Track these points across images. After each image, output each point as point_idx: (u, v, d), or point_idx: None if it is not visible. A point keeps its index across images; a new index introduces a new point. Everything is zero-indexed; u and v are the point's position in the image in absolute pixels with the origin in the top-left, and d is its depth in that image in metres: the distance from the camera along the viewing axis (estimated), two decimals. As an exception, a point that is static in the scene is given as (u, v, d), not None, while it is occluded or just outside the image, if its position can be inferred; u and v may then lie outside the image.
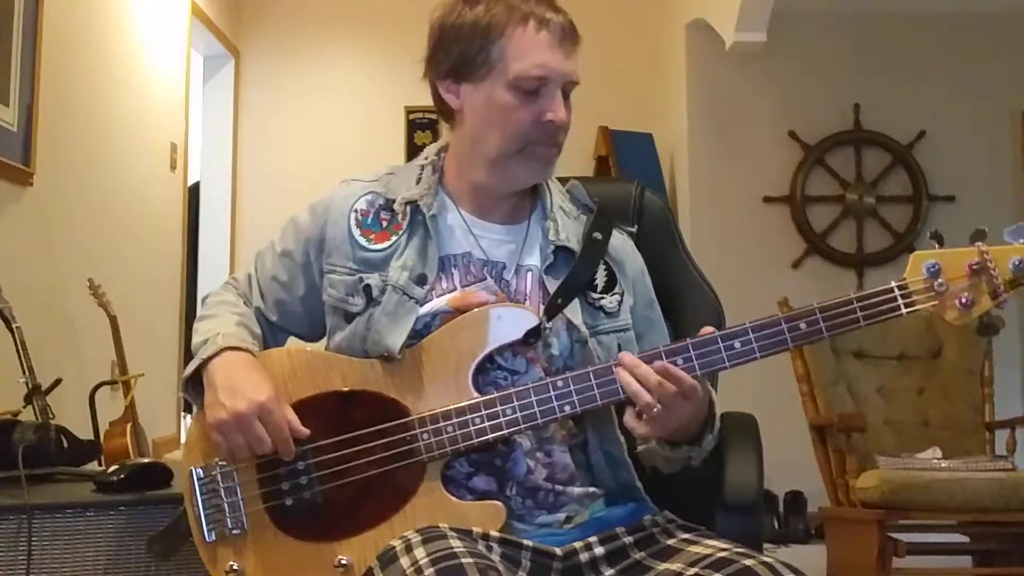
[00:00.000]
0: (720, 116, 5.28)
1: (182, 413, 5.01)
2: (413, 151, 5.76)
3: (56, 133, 3.56)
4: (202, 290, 5.42)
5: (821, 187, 5.31)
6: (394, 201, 1.48)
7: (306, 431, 1.37)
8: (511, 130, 1.41)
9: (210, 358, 1.40)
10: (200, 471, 1.40)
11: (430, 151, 1.55)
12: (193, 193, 5.47)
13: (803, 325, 1.34)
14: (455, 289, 1.43)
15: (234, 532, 1.38)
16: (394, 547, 1.26)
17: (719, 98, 5.28)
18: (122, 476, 1.83)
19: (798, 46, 5.21)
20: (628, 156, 5.30)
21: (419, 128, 5.88)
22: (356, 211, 1.49)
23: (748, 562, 1.23)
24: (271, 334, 1.55)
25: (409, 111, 5.85)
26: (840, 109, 5.30)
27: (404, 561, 1.22)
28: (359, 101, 5.93)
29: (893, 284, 1.35)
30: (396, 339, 1.39)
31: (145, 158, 4.57)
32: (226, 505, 1.39)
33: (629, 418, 1.34)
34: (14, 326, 2.78)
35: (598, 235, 1.49)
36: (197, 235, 5.63)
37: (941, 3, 5.20)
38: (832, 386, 3.69)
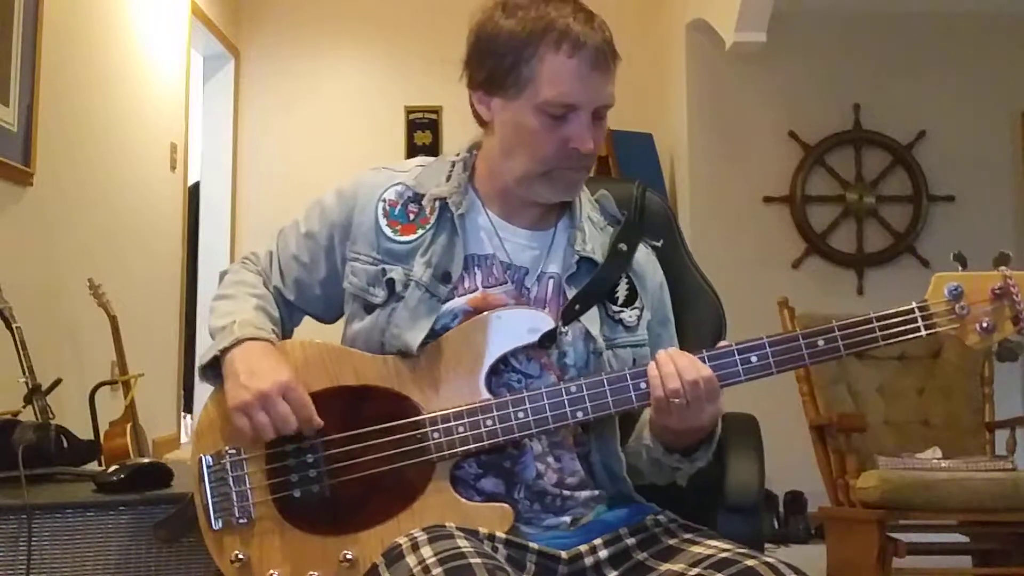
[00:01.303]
0: (720, 116, 5.28)
1: (182, 413, 5.02)
2: (413, 151, 5.77)
3: (56, 133, 3.56)
4: (202, 290, 5.42)
5: (821, 187, 5.31)
6: (423, 195, 1.47)
7: (319, 422, 1.37)
8: (536, 154, 1.40)
9: (228, 348, 1.40)
10: (210, 459, 1.40)
11: (463, 147, 1.54)
12: (193, 193, 5.47)
13: (821, 342, 1.34)
14: (476, 289, 1.43)
15: (240, 521, 1.38)
16: (400, 545, 1.26)
17: (719, 98, 5.28)
18: (122, 476, 1.83)
19: (798, 46, 5.21)
20: (628, 156, 5.30)
21: (419, 128, 5.87)
22: (384, 200, 1.48)
23: (750, 562, 1.23)
24: (287, 313, 1.55)
25: (409, 111, 5.84)
26: (840, 109, 5.30)
27: (411, 559, 1.22)
28: (359, 101, 5.93)
29: (914, 305, 1.34)
30: (415, 336, 1.39)
31: (145, 158, 4.57)
32: (234, 494, 1.39)
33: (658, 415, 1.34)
34: (14, 326, 2.78)
35: (623, 246, 1.48)
36: (197, 235, 5.63)
37: (941, 3, 5.20)
38: (832, 386, 3.69)
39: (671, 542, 1.37)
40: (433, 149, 5.70)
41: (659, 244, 1.58)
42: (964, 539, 3.57)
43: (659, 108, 5.68)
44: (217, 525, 1.39)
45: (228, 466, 1.39)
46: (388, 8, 5.86)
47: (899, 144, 5.29)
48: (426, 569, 1.18)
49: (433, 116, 5.78)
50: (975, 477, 3.20)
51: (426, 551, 1.22)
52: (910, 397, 3.83)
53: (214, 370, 1.42)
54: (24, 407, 2.67)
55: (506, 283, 1.44)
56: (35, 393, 2.65)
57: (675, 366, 1.31)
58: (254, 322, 1.44)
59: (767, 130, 5.29)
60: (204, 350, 1.44)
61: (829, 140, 5.30)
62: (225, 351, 1.40)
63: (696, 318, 1.72)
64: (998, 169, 5.30)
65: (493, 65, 1.41)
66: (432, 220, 1.45)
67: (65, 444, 2.22)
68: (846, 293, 5.11)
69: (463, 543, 1.22)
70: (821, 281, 5.16)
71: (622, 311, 1.46)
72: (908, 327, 1.33)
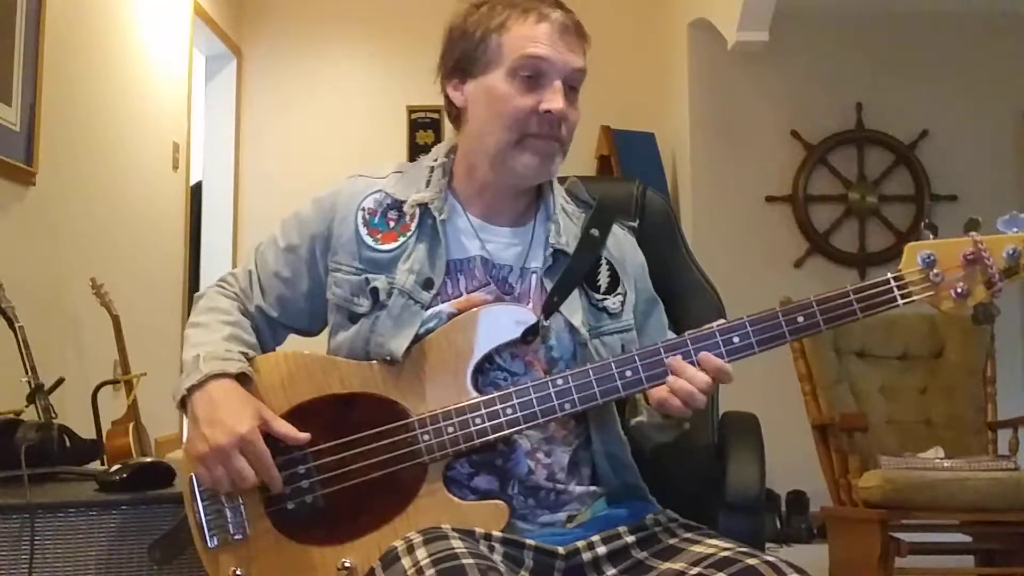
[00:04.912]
0: (722, 115, 5.27)
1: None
2: (415, 150, 5.76)
3: (58, 133, 3.56)
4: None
5: (823, 186, 5.30)
6: (403, 201, 1.47)
7: (305, 436, 1.36)
8: (509, 120, 1.41)
9: (193, 387, 1.38)
10: None
11: (439, 151, 1.54)
12: (195, 193, 5.48)
13: (800, 318, 1.35)
14: (461, 295, 1.43)
15: (236, 537, 1.38)
16: (396, 548, 1.26)
17: (721, 97, 5.28)
18: (124, 475, 1.83)
19: (800, 45, 5.20)
20: (630, 155, 5.30)
21: (421, 127, 5.87)
22: (363, 209, 1.48)
23: (752, 561, 1.23)
24: (271, 331, 1.54)
25: (411, 110, 5.84)
26: (842, 108, 5.29)
27: (406, 562, 1.22)
28: (361, 100, 5.93)
29: (889, 275, 1.36)
30: (400, 343, 1.39)
31: (147, 158, 4.58)
32: (227, 511, 1.38)
33: (661, 395, 1.35)
34: (17, 325, 2.78)
35: (595, 231, 1.49)
36: (199, 235, 5.64)
37: (944, 2, 5.19)
38: (834, 386, 3.69)
39: (671, 541, 1.37)
40: (435, 149, 5.70)
41: (635, 224, 1.60)
42: (966, 539, 3.57)
43: (661, 108, 5.68)
44: (212, 543, 1.38)
45: None
46: (390, 8, 5.86)
47: (901, 143, 5.28)
48: (420, 571, 1.18)
49: (435, 115, 5.78)
50: (977, 477, 3.19)
51: (421, 553, 1.22)
52: (912, 396, 3.83)
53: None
54: (27, 407, 2.67)
55: (488, 284, 1.44)
56: (38, 392, 2.64)
57: (690, 381, 1.33)
58: (221, 354, 1.41)
59: (769, 129, 5.28)
60: (174, 387, 1.42)
61: (831, 139, 5.29)
62: (191, 390, 1.39)
63: (697, 317, 1.71)
64: (1000, 168, 5.29)
65: (463, 47, 1.44)
66: (413, 227, 1.45)
67: (67, 443, 2.22)
68: (847, 290, 5.10)
69: (457, 544, 1.22)
70: (823, 280, 5.15)
71: (605, 298, 1.47)
72: (884, 297, 1.34)
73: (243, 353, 1.43)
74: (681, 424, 1.43)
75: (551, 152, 1.43)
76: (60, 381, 2.82)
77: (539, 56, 1.39)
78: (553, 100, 1.39)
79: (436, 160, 1.52)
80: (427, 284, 1.42)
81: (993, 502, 3.15)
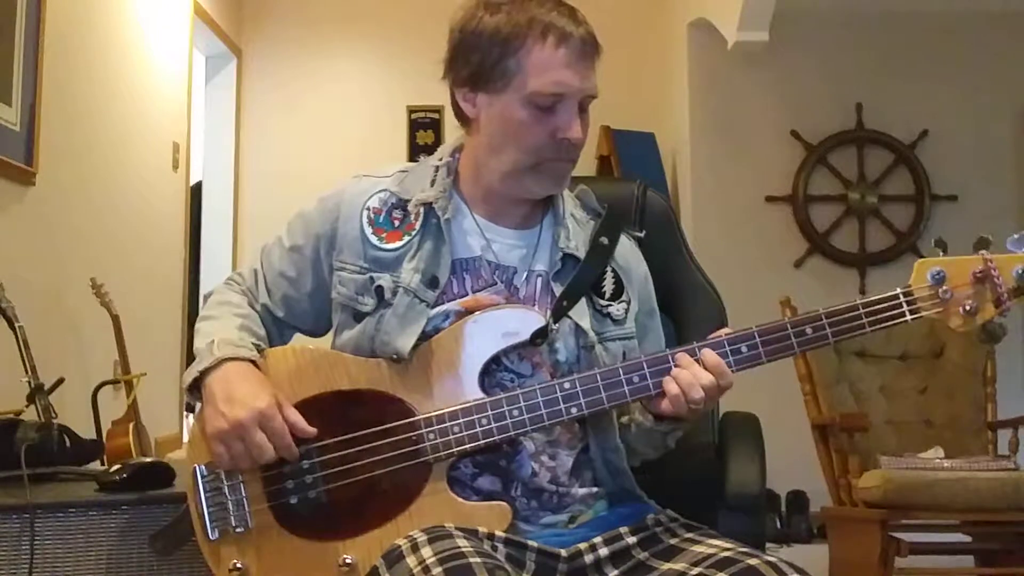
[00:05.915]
0: (722, 115, 5.27)
1: (184, 412, 5.02)
2: (415, 150, 5.77)
3: (59, 133, 3.56)
4: (204, 290, 5.42)
5: (823, 186, 5.31)
6: (407, 201, 1.47)
7: (312, 430, 1.36)
8: (525, 146, 1.40)
9: (207, 369, 1.39)
10: (204, 468, 1.40)
11: (444, 151, 1.54)
12: (195, 193, 5.48)
13: (809, 330, 1.36)
14: (467, 294, 1.43)
15: (238, 530, 1.38)
16: (400, 546, 1.26)
17: (721, 97, 5.28)
18: (124, 475, 1.83)
19: (801, 45, 5.21)
20: (630, 155, 5.30)
21: (421, 127, 5.88)
22: (368, 208, 1.48)
23: (752, 561, 1.23)
24: (277, 331, 1.54)
25: (411, 110, 5.85)
26: (842, 108, 5.30)
27: (411, 560, 1.22)
28: (361, 100, 5.93)
29: (899, 291, 1.37)
30: (406, 341, 1.38)
31: (147, 158, 4.58)
32: (230, 503, 1.38)
33: (659, 401, 1.36)
34: (17, 325, 2.78)
35: (605, 240, 1.49)
36: (199, 235, 5.64)
37: (944, 2, 5.19)
38: (834, 385, 3.69)
39: (672, 541, 1.37)
40: (435, 149, 5.69)
41: (641, 234, 1.59)
42: (966, 539, 3.57)
43: (661, 108, 5.68)
44: (214, 535, 1.38)
45: (223, 475, 1.38)
46: (390, 8, 5.86)
47: (901, 143, 5.28)
48: (426, 569, 1.18)
49: (435, 116, 5.78)
50: (977, 477, 3.19)
51: (426, 551, 1.22)
52: (912, 397, 3.83)
53: (199, 391, 1.41)
54: (27, 407, 2.67)
55: (495, 284, 1.44)
56: (38, 392, 2.64)
57: (694, 376, 1.33)
58: (234, 340, 1.42)
59: (769, 129, 5.28)
60: (186, 372, 1.43)
61: (831, 139, 5.29)
62: (205, 372, 1.39)
63: (697, 317, 1.72)
64: (1001, 168, 5.29)
65: (479, 60, 1.41)
66: (417, 226, 1.45)
67: (68, 444, 2.22)
68: (848, 293, 5.05)
69: (463, 543, 1.23)
70: (823, 281, 5.15)
71: (609, 305, 1.47)
72: (893, 312, 1.36)
73: (255, 344, 1.44)
74: (666, 439, 1.43)
75: (564, 173, 1.46)
76: (60, 381, 2.82)
77: (558, 92, 1.38)
78: (572, 128, 1.40)
79: (441, 160, 1.52)
80: (432, 283, 1.42)
81: (993, 502, 3.15)
